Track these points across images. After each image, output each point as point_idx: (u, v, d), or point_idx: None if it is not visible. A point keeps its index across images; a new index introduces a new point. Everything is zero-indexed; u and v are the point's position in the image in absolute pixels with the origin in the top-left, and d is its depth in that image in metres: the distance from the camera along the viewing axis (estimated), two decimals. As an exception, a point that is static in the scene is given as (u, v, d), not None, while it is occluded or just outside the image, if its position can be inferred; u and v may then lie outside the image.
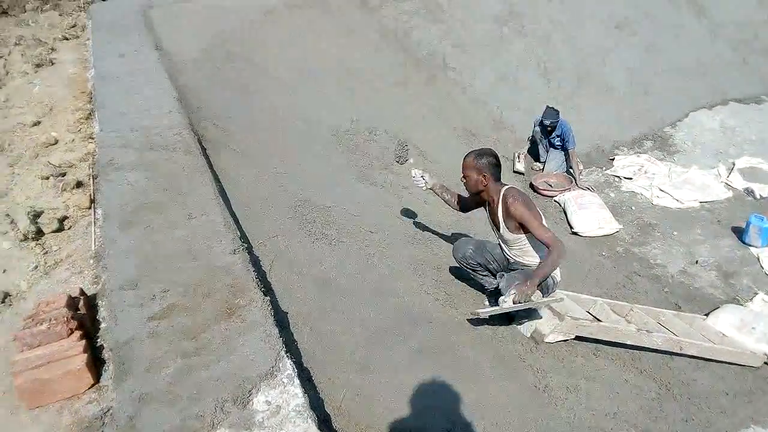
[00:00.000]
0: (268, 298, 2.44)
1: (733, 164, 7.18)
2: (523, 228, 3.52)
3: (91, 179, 3.91)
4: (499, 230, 3.67)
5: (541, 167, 7.46)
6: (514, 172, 7.28)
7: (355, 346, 2.77)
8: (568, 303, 4.10)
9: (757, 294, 5.18)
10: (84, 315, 2.71)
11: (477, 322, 3.55)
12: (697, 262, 5.69)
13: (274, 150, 4.81)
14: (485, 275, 3.92)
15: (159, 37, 6.50)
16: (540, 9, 8.80)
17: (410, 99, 7.45)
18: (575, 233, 6.22)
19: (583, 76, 8.33)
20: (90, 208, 3.68)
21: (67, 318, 2.57)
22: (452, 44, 8.26)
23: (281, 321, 2.67)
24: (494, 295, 3.81)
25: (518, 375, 3.16)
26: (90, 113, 4.87)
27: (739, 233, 5.97)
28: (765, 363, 4.29)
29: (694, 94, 8.39)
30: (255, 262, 2.96)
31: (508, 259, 3.77)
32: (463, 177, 3.65)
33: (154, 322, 2.32)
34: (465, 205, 4.12)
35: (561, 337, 3.71)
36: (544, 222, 3.47)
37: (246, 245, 2.94)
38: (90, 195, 3.75)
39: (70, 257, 3.28)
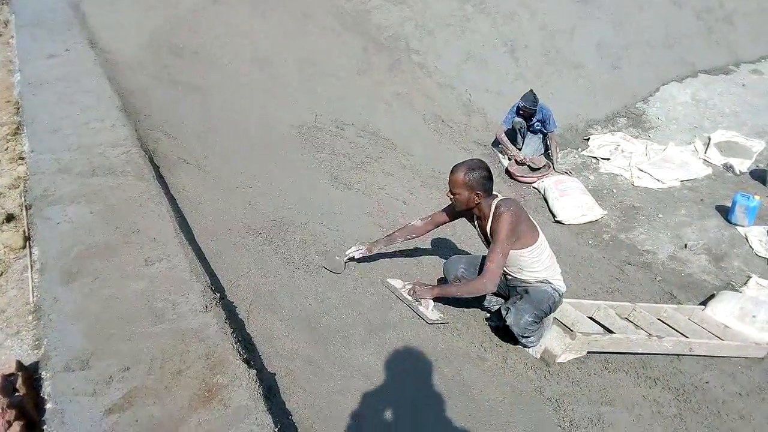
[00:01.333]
0: (254, 371, 1.98)
1: (709, 139, 7.02)
2: (519, 242, 3.15)
3: (24, 211, 3.33)
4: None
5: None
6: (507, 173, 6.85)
7: (358, 406, 2.36)
8: (572, 313, 3.80)
9: (750, 277, 5.03)
10: (23, 397, 2.21)
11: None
12: (686, 246, 5.50)
13: (235, 159, 4.31)
14: None
15: (93, 32, 5.83)
16: (502, -16, 8.40)
17: (375, 86, 6.99)
18: (559, 222, 5.95)
19: (551, 53, 8.00)
20: (25, 247, 3.12)
21: (2, 407, 2.08)
22: (415, 25, 7.80)
23: (270, 387, 2.23)
24: (497, 314, 3.45)
25: (539, 412, 2.81)
26: (18, 127, 4.24)
27: (725, 212, 5.81)
28: (769, 353, 4.11)
29: (664, 66, 8.18)
30: (231, 313, 2.50)
31: (505, 275, 3.40)
32: (452, 195, 3.21)
33: (113, 416, 1.84)
34: (426, 229, 3.60)
35: (573, 356, 3.40)
36: (508, 247, 3.11)
37: (219, 294, 2.47)
38: (24, 231, 3.19)
39: (2, 313, 2.74)
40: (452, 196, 3.21)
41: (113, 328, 2.21)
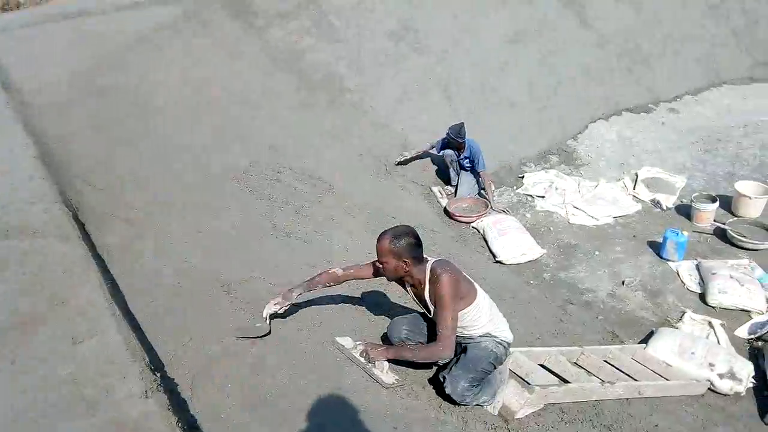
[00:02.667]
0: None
1: (636, 175, 7.29)
2: (462, 301, 3.08)
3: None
4: (430, 313, 3.19)
5: (453, 191, 7.16)
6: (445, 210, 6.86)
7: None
8: (526, 363, 3.77)
9: (685, 312, 5.15)
10: None
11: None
12: (623, 283, 5.60)
13: (168, 210, 4.04)
14: None
15: (6, 71, 5.41)
16: (434, 24, 8.52)
17: (310, 127, 6.85)
18: (499, 262, 5.95)
19: (484, 91, 8.14)
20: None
21: None
22: (348, 64, 7.75)
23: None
24: (443, 369, 3.33)
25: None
26: None
27: (656, 248, 5.98)
28: (708, 389, 4.21)
29: (591, 105, 8.50)
30: (173, 393, 2.25)
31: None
32: (380, 263, 3.10)
33: None
34: (345, 279, 3.44)
35: (531, 410, 3.33)
36: (456, 308, 3.05)
37: (159, 373, 2.22)
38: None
39: None
40: (380, 265, 3.10)
41: (36, 424, 1.92)
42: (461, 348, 3.32)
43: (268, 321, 3.16)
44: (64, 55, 5.85)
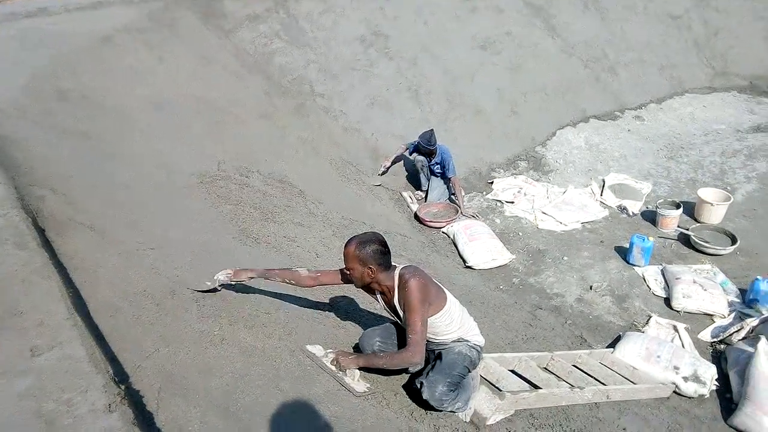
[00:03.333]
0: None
1: (603, 182, 7.41)
2: (432, 307, 3.07)
3: None
4: (401, 321, 3.17)
5: (423, 196, 7.17)
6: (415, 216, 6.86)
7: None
8: (496, 369, 3.78)
9: (651, 317, 5.24)
10: None
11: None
12: (591, 288, 5.67)
13: (134, 215, 3.92)
14: None
15: (-39, 72, 5.22)
16: (404, 30, 8.54)
17: (280, 131, 6.79)
18: (469, 267, 5.97)
19: (454, 97, 8.18)
20: None
21: None
22: (319, 69, 7.71)
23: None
24: (417, 375, 3.31)
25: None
26: None
27: (623, 253, 6.08)
28: (674, 392, 4.28)
29: (558, 112, 8.61)
30: (138, 405, 2.17)
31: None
32: (347, 269, 3.08)
33: None
34: (312, 283, 3.42)
35: (502, 416, 3.32)
36: (425, 314, 3.03)
37: (124, 386, 2.14)
38: None
39: None
40: (347, 272, 3.08)
41: (-10, 444, 1.83)
42: (435, 355, 3.31)
43: (217, 286, 3.31)
44: (23, 55, 5.66)
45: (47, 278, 2.58)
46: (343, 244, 3.07)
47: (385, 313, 3.41)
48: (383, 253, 3.03)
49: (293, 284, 3.41)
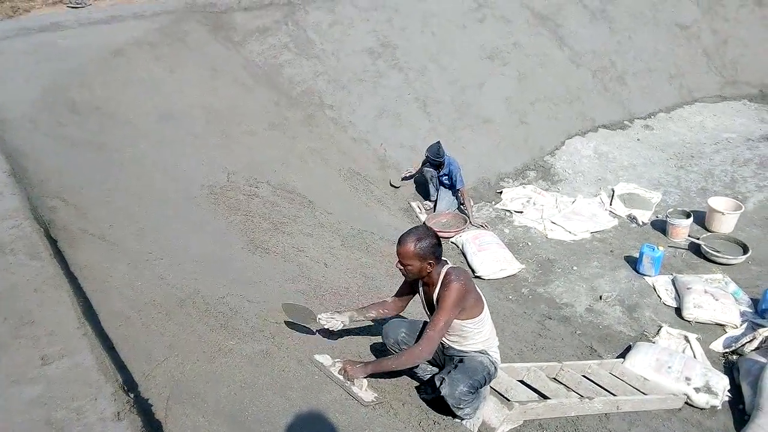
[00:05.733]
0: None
1: (613, 191, 7.38)
2: (463, 312, 3.07)
3: None
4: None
5: (432, 206, 7.18)
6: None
7: None
8: (505, 378, 3.76)
9: (661, 327, 5.20)
10: None
11: None
12: (601, 298, 5.63)
13: (144, 226, 3.96)
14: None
15: (-24, 85, 5.31)
16: (412, 41, 8.58)
17: (289, 142, 6.82)
18: (478, 277, 5.95)
19: (462, 107, 8.20)
20: None
21: None
22: (328, 80, 7.76)
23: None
24: (431, 384, 3.32)
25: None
26: None
27: (633, 263, 6.04)
28: (685, 403, 4.24)
29: (567, 121, 8.60)
30: (146, 414, 2.19)
31: (442, 344, 3.29)
32: (402, 266, 3.10)
33: None
34: (400, 304, 3.53)
35: (510, 427, 3.31)
36: (452, 316, 3.06)
37: (133, 394, 2.16)
38: None
39: None
40: (402, 268, 3.09)
41: (1, 451, 1.85)
42: (456, 360, 3.30)
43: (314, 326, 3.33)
44: (37, 69, 5.74)
45: (59, 288, 2.61)
46: (396, 243, 3.09)
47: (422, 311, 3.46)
48: (438, 245, 3.09)
49: (387, 314, 3.51)
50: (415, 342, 3.25)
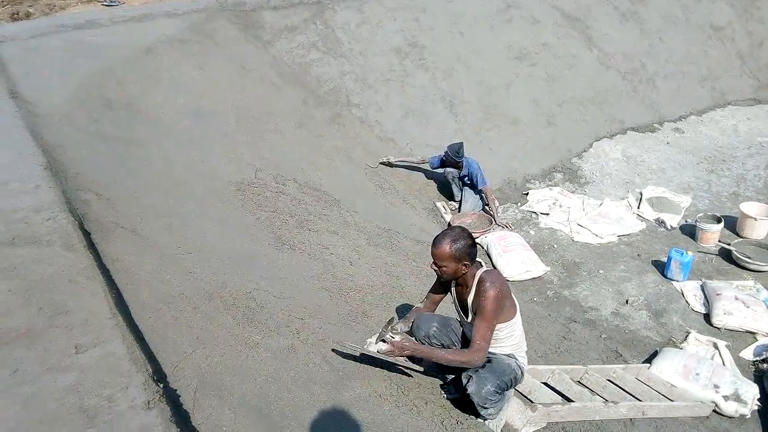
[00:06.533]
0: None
1: (641, 194, 7.28)
2: (501, 316, 3.08)
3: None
4: (467, 317, 3.19)
5: (457, 207, 7.16)
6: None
7: None
8: (529, 380, 3.74)
9: (689, 333, 5.11)
10: None
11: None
12: (627, 302, 5.56)
13: (173, 220, 4.02)
14: None
15: (14, 81, 5.45)
16: (439, 41, 8.57)
17: (316, 140, 6.87)
18: (503, 278, 5.91)
19: (489, 108, 8.17)
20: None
21: None
22: (355, 79, 7.79)
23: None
24: (454, 383, 3.31)
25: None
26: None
27: (660, 267, 5.95)
28: (713, 411, 4.16)
29: (595, 123, 8.51)
30: (174, 404, 2.23)
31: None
32: (438, 268, 3.10)
33: None
34: (432, 308, 3.57)
35: (533, 428, 3.29)
36: (495, 323, 3.08)
37: (162, 385, 2.20)
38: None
39: None
40: (437, 269, 3.09)
41: (35, 436, 1.90)
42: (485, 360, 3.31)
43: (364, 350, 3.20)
44: (72, 65, 5.87)
45: (92, 279, 2.67)
46: (431, 244, 3.09)
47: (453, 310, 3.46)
48: (473, 246, 3.09)
49: None
50: (460, 342, 3.35)
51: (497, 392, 3.12)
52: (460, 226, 3.23)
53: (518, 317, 3.25)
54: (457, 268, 3.06)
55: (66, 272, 2.69)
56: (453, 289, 3.29)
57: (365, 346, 3.21)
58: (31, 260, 2.77)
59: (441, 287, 3.42)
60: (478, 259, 3.19)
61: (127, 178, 4.35)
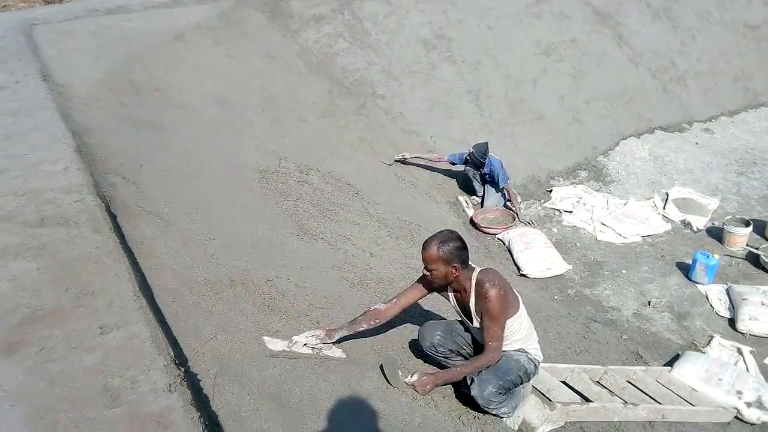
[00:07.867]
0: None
1: (667, 195, 7.16)
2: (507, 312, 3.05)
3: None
4: (472, 322, 3.15)
5: (480, 202, 7.12)
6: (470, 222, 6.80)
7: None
8: (547, 379, 3.72)
9: (713, 337, 5.04)
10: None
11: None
12: (649, 303, 5.50)
13: (197, 206, 4.06)
14: (458, 362, 3.38)
15: (47, 63, 5.53)
16: (467, 34, 8.50)
17: (340, 131, 6.88)
18: (523, 275, 5.88)
19: (515, 103, 8.09)
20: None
21: None
22: (380, 71, 7.78)
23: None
24: (465, 386, 3.30)
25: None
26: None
27: (685, 270, 5.86)
28: (735, 417, 4.10)
29: (622, 122, 8.38)
30: (195, 388, 2.25)
31: (483, 345, 3.26)
32: (428, 271, 3.05)
33: None
34: (395, 311, 3.31)
35: (551, 427, 3.27)
36: (504, 322, 3.05)
37: (183, 368, 2.22)
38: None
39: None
40: (428, 273, 3.05)
41: (62, 413, 1.93)
42: None
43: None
44: (103, 49, 5.95)
45: (117, 261, 2.71)
46: (421, 248, 3.04)
47: (455, 314, 3.41)
48: (463, 249, 3.03)
49: (378, 323, 3.30)
50: (471, 346, 3.34)
51: (500, 393, 3.09)
52: (449, 229, 3.16)
53: (522, 310, 3.19)
54: (447, 271, 2.99)
55: (92, 254, 2.73)
56: (451, 295, 3.21)
57: (290, 344, 3.04)
58: (59, 240, 2.81)
59: (422, 291, 3.27)
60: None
61: (153, 162, 4.40)
